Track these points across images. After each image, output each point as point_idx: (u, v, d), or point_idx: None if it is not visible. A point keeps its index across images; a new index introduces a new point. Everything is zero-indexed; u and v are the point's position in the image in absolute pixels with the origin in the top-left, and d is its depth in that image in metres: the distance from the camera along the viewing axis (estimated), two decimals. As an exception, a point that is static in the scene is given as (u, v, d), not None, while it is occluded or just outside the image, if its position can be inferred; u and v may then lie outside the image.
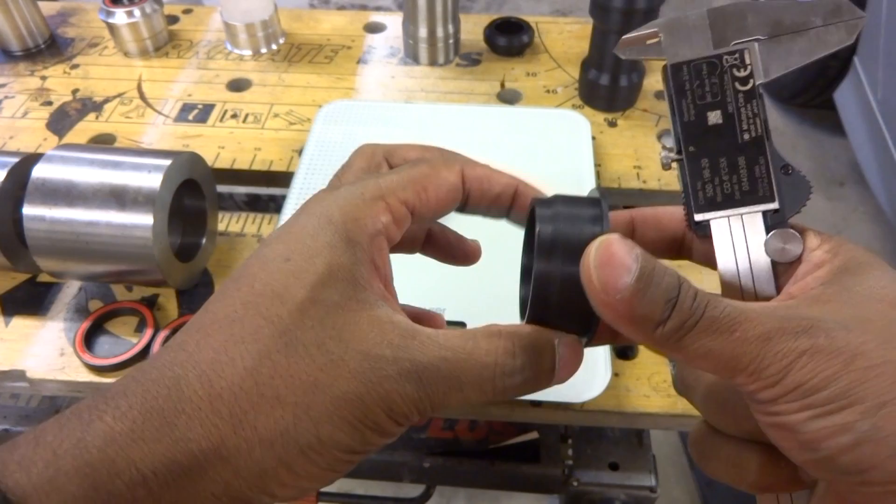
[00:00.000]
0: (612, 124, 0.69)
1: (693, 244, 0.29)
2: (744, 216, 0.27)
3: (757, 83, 0.27)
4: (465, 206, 0.32)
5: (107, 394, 0.23)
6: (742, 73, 0.27)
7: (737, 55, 0.27)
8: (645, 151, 0.65)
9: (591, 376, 0.46)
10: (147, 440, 0.22)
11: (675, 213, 0.30)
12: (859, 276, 0.24)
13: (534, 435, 0.59)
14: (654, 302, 0.22)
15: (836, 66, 1.67)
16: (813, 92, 1.79)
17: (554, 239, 0.26)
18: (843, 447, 0.20)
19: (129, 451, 0.22)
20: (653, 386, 0.48)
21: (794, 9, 0.26)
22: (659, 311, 0.22)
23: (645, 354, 0.50)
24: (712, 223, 0.27)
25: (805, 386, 0.21)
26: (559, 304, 0.26)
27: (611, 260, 0.23)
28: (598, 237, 0.24)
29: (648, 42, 0.28)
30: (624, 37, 0.28)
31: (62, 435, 0.22)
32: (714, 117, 0.27)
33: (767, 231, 0.27)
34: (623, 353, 0.50)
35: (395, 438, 0.25)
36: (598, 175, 0.62)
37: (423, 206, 0.29)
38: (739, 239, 0.27)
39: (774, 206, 0.27)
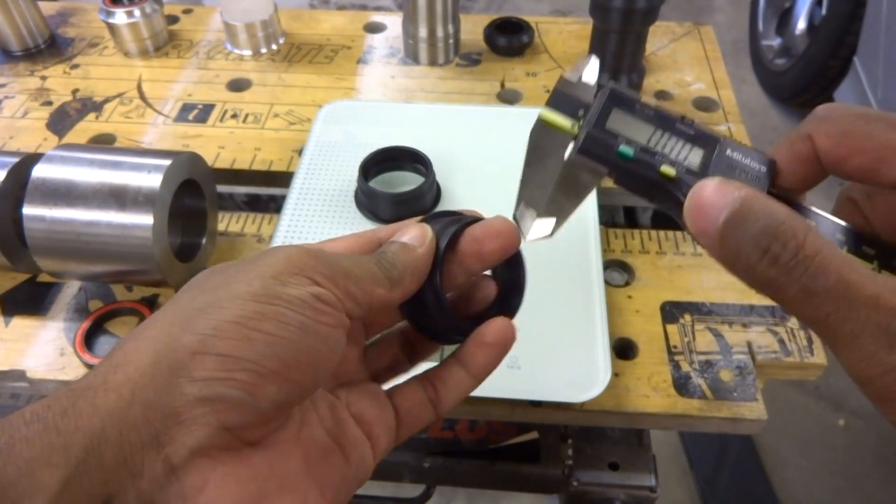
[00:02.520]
0: (612, 124, 0.68)
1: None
2: None
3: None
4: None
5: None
6: None
7: None
8: (645, 151, 0.65)
9: (591, 376, 0.46)
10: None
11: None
12: None
13: (534, 435, 0.59)
14: (742, 247, 0.23)
15: (836, 66, 1.67)
16: (813, 91, 1.79)
17: None
18: None
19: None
20: (653, 386, 0.48)
21: None
22: (746, 257, 0.23)
23: (645, 354, 0.50)
24: None
25: (892, 401, 0.22)
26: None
27: (701, 206, 0.25)
28: (698, 182, 0.25)
29: None
30: None
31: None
32: None
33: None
34: (623, 353, 0.50)
35: (314, 302, 0.25)
36: (598, 175, 0.62)
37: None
38: None
39: None
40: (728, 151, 0.28)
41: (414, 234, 0.31)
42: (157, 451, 0.22)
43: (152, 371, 0.23)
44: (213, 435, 0.23)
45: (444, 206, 0.59)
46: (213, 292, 0.25)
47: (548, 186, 0.29)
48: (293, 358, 0.24)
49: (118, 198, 0.47)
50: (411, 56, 0.77)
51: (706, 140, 0.29)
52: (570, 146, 0.29)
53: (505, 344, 0.31)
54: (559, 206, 0.29)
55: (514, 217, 0.29)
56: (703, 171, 0.28)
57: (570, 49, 0.78)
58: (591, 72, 0.30)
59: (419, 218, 0.32)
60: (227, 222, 0.60)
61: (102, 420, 0.22)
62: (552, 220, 0.28)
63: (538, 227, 0.28)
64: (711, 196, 0.25)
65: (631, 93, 0.29)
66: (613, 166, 0.28)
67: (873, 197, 0.28)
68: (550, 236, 0.29)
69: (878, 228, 0.28)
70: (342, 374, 0.31)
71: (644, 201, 0.33)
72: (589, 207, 0.56)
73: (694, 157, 0.28)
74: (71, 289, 0.55)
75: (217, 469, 0.23)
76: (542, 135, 0.30)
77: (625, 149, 0.28)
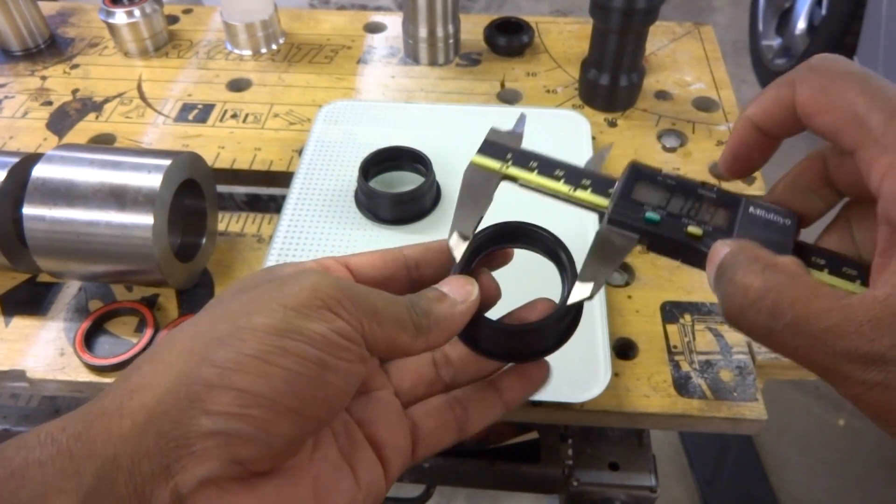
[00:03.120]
0: (612, 124, 0.69)
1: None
2: None
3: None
4: None
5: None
6: None
7: None
8: (645, 151, 0.65)
9: (591, 376, 0.47)
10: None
11: None
12: None
13: (534, 435, 0.59)
14: (719, 297, 0.26)
15: (836, 66, 1.67)
16: (813, 92, 1.79)
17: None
18: None
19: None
20: (653, 386, 0.48)
21: None
22: (722, 304, 0.26)
23: (645, 354, 0.50)
24: None
25: (883, 416, 0.22)
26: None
27: (709, 262, 0.28)
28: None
29: None
30: None
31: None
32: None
33: None
34: (623, 353, 0.50)
35: (336, 337, 0.25)
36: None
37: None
38: None
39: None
40: (751, 209, 0.31)
41: (459, 288, 0.31)
42: (167, 480, 0.22)
43: (168, 400, 0.23)
44: (222, 466, 0.23)
45: (444, 206, 0.59)
46: (234, 321, 0.25)
47: (475, 218, 0.33)
48: (310, 395, 0.24)
49: (118, 198, 0.47)
50: (411, 56, 0.77)
51: (729, 201, 0.31)
52: (602, 219, 0.32)
53: (543, 383, 0.33)
54: (595, 270, 0.31)
55: (449, 245, 0.32)
56: (730, 229, 0.30)
57: (570, 49, 0.78)
58: (519, 123, 0.36)
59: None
60: (227, 222, 0.60)
61: (116, 447, 0.22)
62: (590, 285, 0.31)
63: (578, 291, 0.31)
64: (712, 255, 0.28)
65: (652, 168, 0.33)
66: (642, 232, 0.31)
67: (844, 156, 0.29)
68: (590, 299, 0.31)
69: (840, 187, 0.29)
70: (360, 391, 0.31)
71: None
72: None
73: (719, 217, 0.31)
74: (71, 289, 0.55)
75: (224, 499, 0.23)
76: (473, 175, 0.34)
77: (651, 214, 0.31)
